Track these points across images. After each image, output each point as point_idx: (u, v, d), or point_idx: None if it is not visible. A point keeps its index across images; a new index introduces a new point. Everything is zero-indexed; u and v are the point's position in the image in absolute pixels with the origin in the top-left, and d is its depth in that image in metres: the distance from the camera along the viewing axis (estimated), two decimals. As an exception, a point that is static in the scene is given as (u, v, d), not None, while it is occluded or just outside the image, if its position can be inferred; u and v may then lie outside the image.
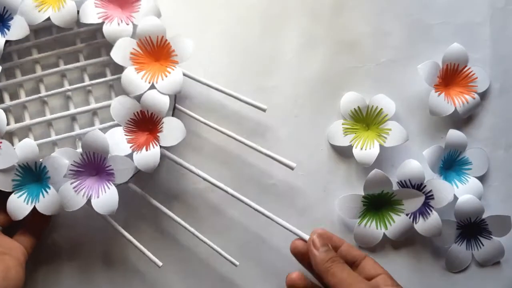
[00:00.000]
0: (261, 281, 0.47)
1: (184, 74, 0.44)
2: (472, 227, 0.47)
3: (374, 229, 0.46)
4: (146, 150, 0.43)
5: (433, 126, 0.48)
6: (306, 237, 0.42)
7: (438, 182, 0.45)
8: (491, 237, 0.48)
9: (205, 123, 0.45)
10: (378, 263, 0.41)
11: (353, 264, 0.42)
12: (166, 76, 0.43)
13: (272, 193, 0.47)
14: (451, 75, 0.47)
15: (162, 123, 0.43)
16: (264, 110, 0.44)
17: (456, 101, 0.47)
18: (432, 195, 0.45)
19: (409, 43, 0.48)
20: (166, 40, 0.43)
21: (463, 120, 0.48)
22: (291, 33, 0.48)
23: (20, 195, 0.43)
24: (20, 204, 0.42)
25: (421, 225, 0.45)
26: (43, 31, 0.45)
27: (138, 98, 0.43)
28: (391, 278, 0.40)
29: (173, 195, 0.47)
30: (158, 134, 0.43)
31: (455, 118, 0.48)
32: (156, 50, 0.44)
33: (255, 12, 0.48)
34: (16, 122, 0.45)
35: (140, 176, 0.44)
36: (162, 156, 0.43)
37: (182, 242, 0.47)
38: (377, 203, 0.46)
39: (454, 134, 0.47)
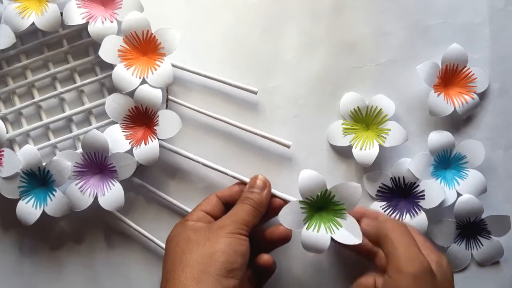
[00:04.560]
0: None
1: (173, 65, 0.44)
2: (471, 227, 0.47)
3: (324, 233, 0.42)
4: (145, 144, 0.43)
5: (433, 126, 0.48)
6: None
7: (432, 183, 0.45)
8: (491, 237, 0.48)
9: (201, 112, 0.45)
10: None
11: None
12: (156, 70, 0.43)
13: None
14: (450, 76, 0.47)
15: (157, 116, 0.43)
16: (255, 93, 0.45)
17: (455, 101, 0.47)
18: (423, 195, 0.45)
19: (409, 44, 0.48)
20: (152, 33, 0.43)
21: (463, 120, 0.48)
22: (291, 33, 0.48)
23: (28, 201, 0.43)
24: (29, 210, 0.43)
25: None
26: (29, 35, 0.45)
27: (131, 94, 0.44)
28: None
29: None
30: (154, 128, 0.43)
31: (454, 118, 0.48)
32: (142, 45, 0.44)
33: (255, 12, 0.48)
34: (12, 127, 0.46)
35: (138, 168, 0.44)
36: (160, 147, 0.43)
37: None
38: (319, 207, 0.42)
39: (433, 138, 0.46)
